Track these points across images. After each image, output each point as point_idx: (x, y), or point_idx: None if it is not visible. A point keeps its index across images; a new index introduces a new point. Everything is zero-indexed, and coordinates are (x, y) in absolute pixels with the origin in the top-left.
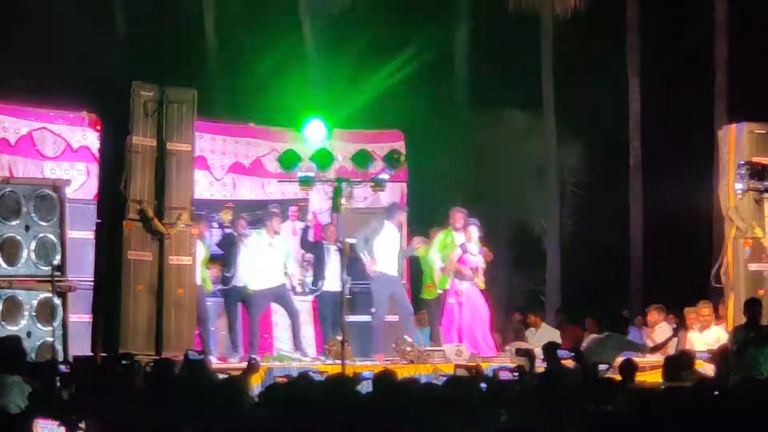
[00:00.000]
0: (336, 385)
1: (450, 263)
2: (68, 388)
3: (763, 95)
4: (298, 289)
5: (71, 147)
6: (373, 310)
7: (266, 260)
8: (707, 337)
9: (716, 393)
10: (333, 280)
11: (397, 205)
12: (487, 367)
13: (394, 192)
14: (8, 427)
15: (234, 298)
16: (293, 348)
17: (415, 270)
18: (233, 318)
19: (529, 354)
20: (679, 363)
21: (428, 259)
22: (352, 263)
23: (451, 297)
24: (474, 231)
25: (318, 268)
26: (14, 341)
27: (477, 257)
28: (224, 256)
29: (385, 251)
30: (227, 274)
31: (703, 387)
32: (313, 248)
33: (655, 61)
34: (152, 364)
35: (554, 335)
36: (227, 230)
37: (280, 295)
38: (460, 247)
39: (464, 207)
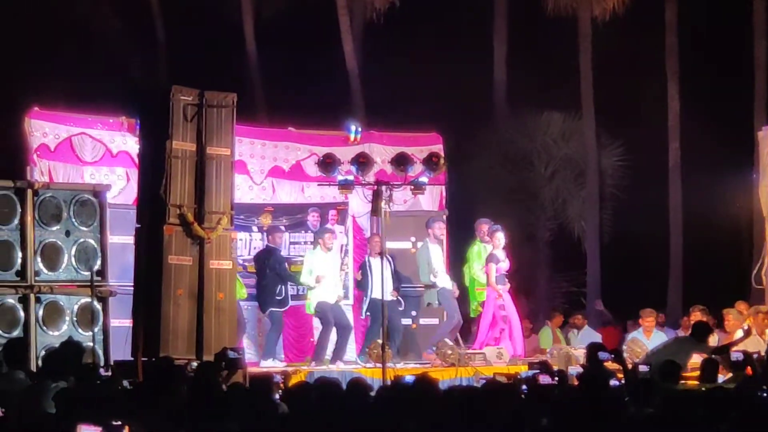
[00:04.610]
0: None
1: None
2: (109, 393)
3: None
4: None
5: (111, 152)
6: (413, 313)
7: (328, 276)
8: (759, 340)
9: (761, 394)
10: (384, 288)
11: (433, 218)
12: (526, 371)
13: (433, 195)
14: (51, 431)
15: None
16: (332, 358)
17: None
18: (279, 326)
19: (545, 366)
20: (716, 366)
21: (472, 275)
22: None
23: (490, 300)
24: (501, 237)
25: (365, 288)
26: (69, 347)
27: (506, 262)
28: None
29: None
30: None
31: (748, 389)
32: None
33: (693, 62)
34: (195, 367)
35: (596, 337)
36: (266, 245)
37: (338, 309)
38: (490, 259)
39: (503, 210)
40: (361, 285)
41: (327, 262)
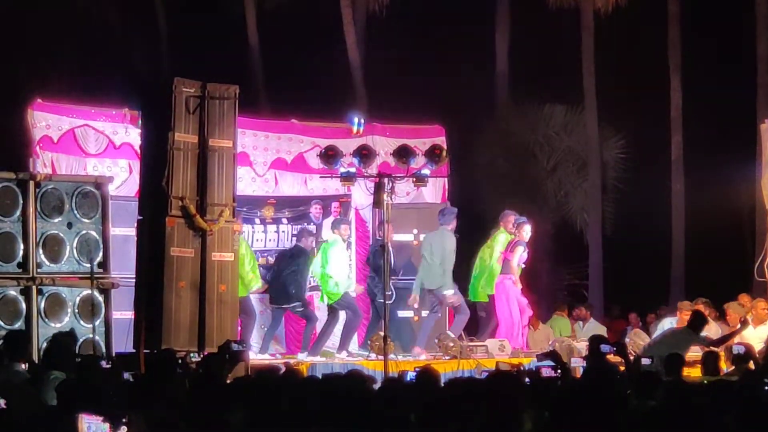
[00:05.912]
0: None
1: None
2: (111, 384)
3: None
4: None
5: (113, 144)
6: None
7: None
8: (761, 332)
9: (763, 387)
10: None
11: (447, 210)
12: (530, 362)
13: (435, 187)
14: (52, 422)
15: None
16: (338, 348)
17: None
18: (279, 318)
19: (554, 356)
20: (718, 358)
21: (493, 260)
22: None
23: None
24: (528, 230)
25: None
26: (66, 337)
27: (526, 253)
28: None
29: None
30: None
31: (750, 381)
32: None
33: (696, 54)
34: (197, 360)
35: (602, 329)
36: (296, 245)
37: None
38: (518, 243)
39: (505, 202)
40: (379, 268)
41: (345, 252)
